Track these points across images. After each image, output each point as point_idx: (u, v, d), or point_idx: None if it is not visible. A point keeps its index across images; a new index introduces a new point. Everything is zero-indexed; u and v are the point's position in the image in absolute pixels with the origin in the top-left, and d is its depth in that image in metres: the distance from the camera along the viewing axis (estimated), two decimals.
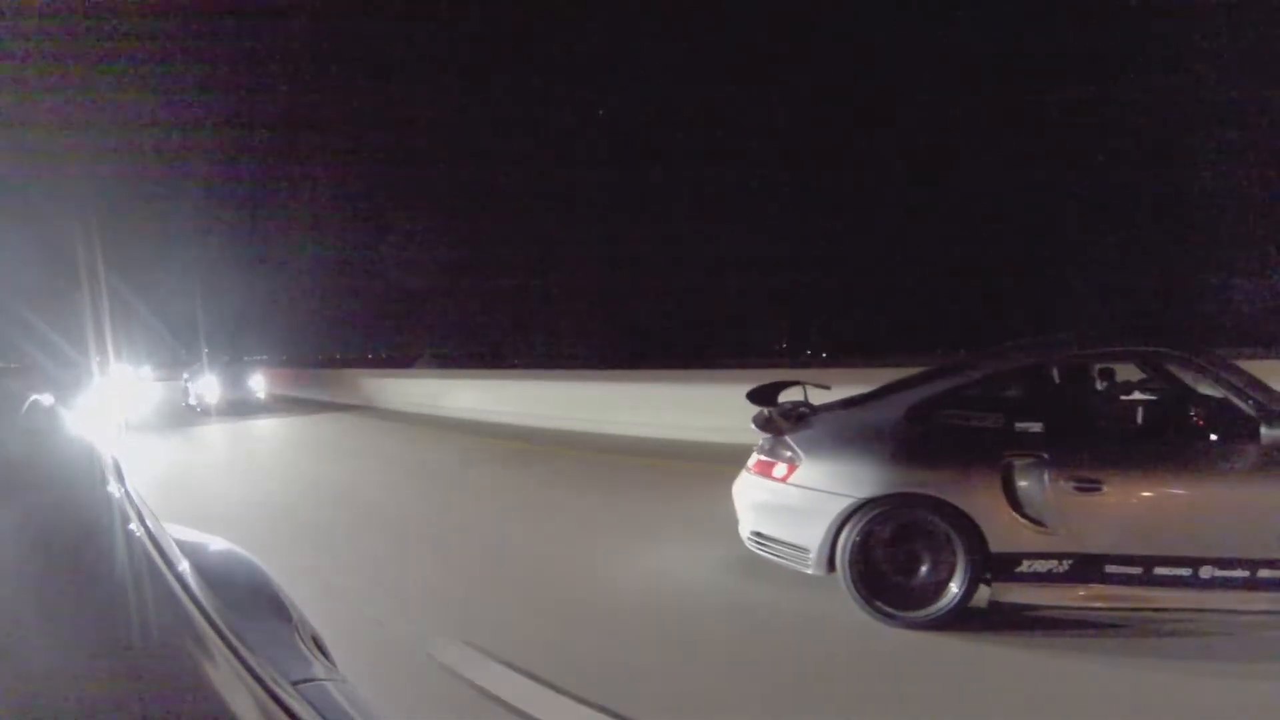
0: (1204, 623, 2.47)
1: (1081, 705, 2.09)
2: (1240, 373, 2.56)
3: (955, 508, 2.55)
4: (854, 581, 2.67)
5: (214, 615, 0.63)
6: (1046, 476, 2.49)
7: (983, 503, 2.54)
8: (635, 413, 8.41)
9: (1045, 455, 2.53)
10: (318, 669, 0.85)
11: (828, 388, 3.37)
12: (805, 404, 3.21)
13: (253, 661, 0.60)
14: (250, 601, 0.94)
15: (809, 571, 2.79)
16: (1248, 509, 2.36)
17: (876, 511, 2.66)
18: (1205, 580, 2.36)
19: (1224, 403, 2.57)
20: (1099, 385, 3.18)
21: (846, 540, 2.68)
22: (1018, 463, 2.55)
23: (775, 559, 2.93)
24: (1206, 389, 2.84)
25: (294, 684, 0.74)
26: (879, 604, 2.64)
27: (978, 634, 2.52)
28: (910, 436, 2.78)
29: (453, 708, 2.27)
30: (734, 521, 3.22)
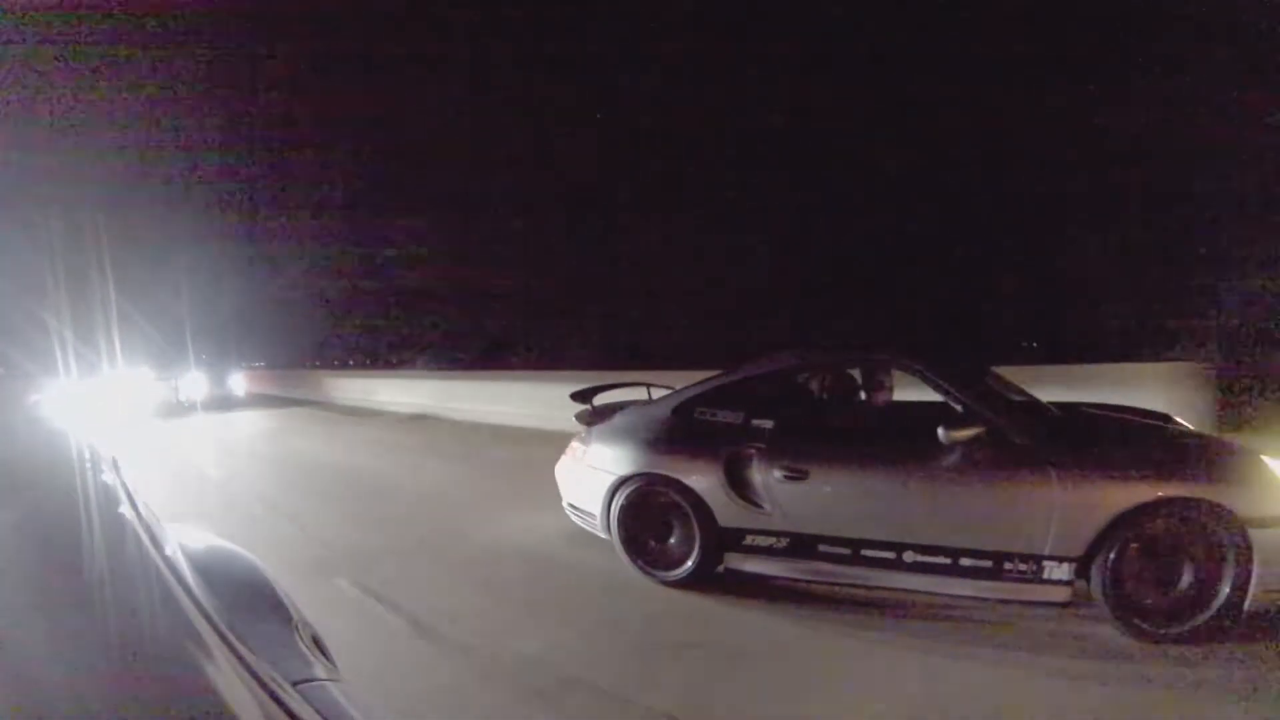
0: (958, 608, 2.67)
1: (765, 659, 2.38)
2: (958, 380, 2.77)
3: (689, 487, 3.00)
4: (621, 542, 3.19)
5: (214, 615, 0.63)
6: (761, 465, 2.88)
7: (709, 484, 2.96)
8: (489, 403, 10.53)
9: (763, 446, 2.91)
10: (318, 669, 0.85)
11: (671, 389, 3.70)
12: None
13: (253, 661, 0.60)
14: (250, 601, 0.94)
15: (602, 535, 3.32)
16: (936, 502, 2.60)
17: (632, 487, 3.16)
18: (909, 564, 2.63)
19: (938, 407, 2.79)
20: (840, 388, 3.43)
21: (615, 509, 3.20)
22: (741, 452, 2.94)
23: (583, 525, 3.49)
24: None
25: (294, 684, 0.74)
26: (640, 563, 3.14)
27: (726, 595, 2.93)
28: (666, 427, 3.24)
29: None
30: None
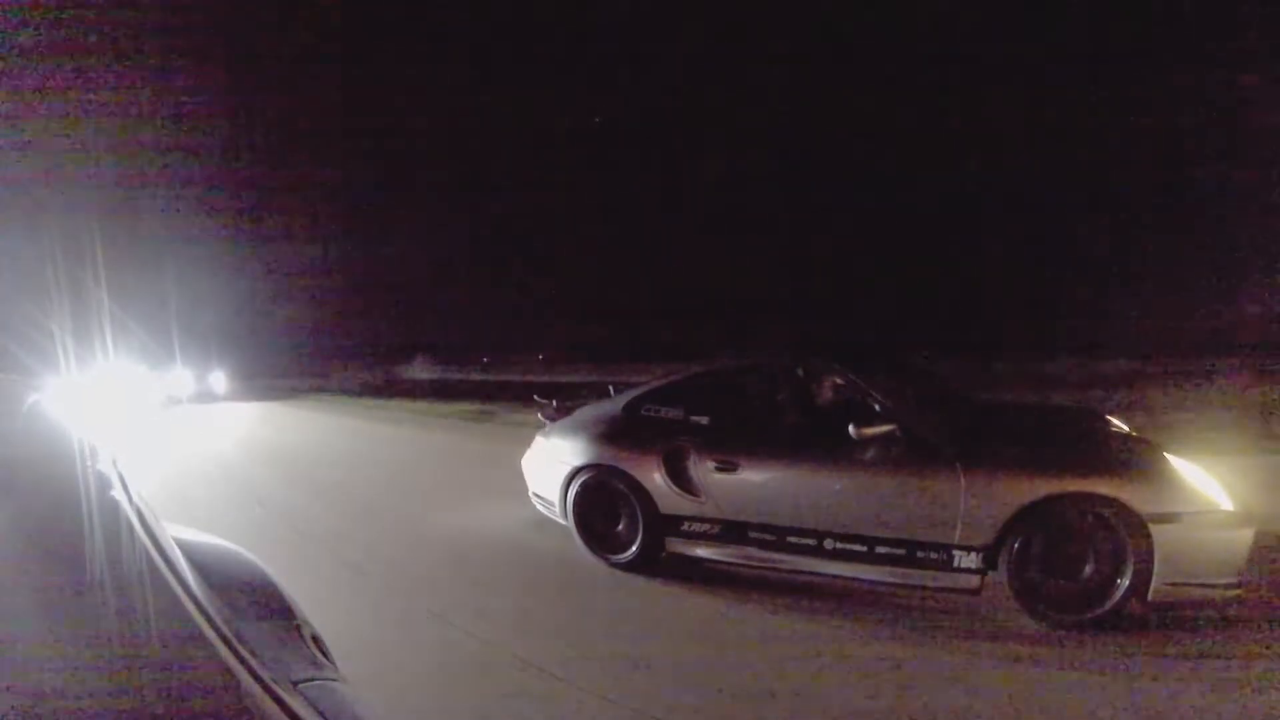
0: (885, 594, 2.80)
1: (690, 631, 2.61)
2: (874, 380, 2.95)
3: (632, 477, 3.22)
4: (575, 528, 3.41)
5: (214, 615, 0.62)
6: (697, 457, 3.10)
7: (650, 474, 3.18)
8: None
9: (699, 440, 3.13)
10: (318, 669, 0.85)
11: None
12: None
13: (253, 661, 0.60)
14: (250, 601, 0.94)
15: (561, 522, 3.53)
16: (851, 493, 2.78)
17: (585, 477, 3.38)
18: (830, 551, 2.80)
19: (856, 405, 2.94)
20: (774, 387, 3.55)
21: (570, 497, 3.42)
22: (679, 445, 3.16)
23: (545, 512, 3.70)
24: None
25: (294, 684, 0.73)
26: (594, 547, 3.34)
27: (672, 577, 3.14)
28: (616, 422, 3.46)
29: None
30: None
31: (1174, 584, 2.31)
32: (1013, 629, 2.48)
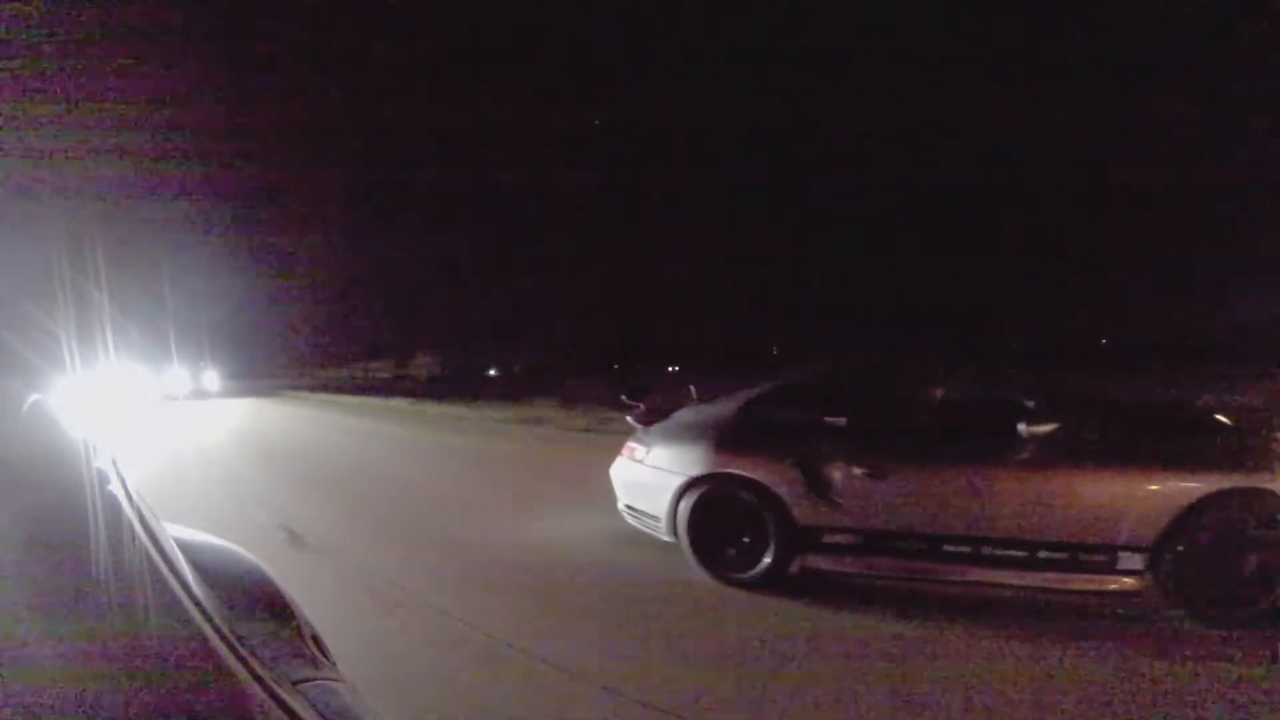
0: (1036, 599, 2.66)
1: (819, 658, 2.38)
2: (1032, 378, 2.90)
3: (765, 487, 2.96)
4: (689, 545, 3.11)
5: (214, 615, 0.62)
6: (840, 463, 2.87)
7: (787, 483, 2.93)
8: None
9: (842, 445, 2.91)
10: (318, 669, 0.85)
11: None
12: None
13: (253, 661, 0.60)
14: (250, 601, 0.94)
15: (664, 538, 3.22)
16: (1016, 496, 2.61)
17: (704, 488, 3.09)
18: (987, 558, 2.65)
19: (1011, 403, 2.82)
20: (910, 389, 3.45)
21: (683, 510, 3.13)
22: (818, 451, 2.92)
23: (642, 527, 3.40)
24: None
25: (294, 684, 0.73)
26: (710, 564, 3.06)
27: (788, 594, 2.89)
28: (736, 427, 3.19)
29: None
30: None
31: None
32: (1172, 628, 2.45)
